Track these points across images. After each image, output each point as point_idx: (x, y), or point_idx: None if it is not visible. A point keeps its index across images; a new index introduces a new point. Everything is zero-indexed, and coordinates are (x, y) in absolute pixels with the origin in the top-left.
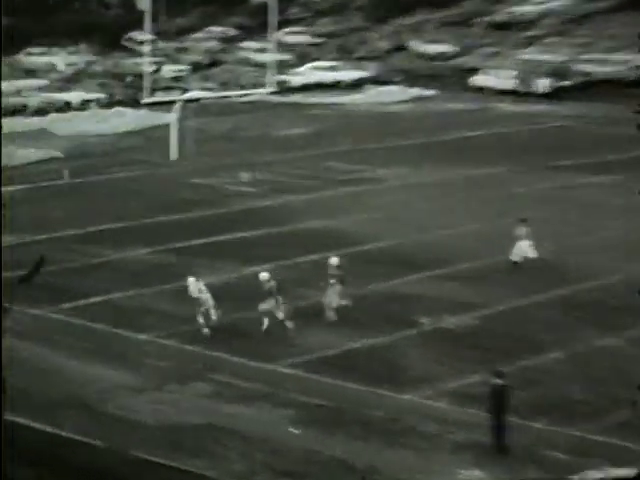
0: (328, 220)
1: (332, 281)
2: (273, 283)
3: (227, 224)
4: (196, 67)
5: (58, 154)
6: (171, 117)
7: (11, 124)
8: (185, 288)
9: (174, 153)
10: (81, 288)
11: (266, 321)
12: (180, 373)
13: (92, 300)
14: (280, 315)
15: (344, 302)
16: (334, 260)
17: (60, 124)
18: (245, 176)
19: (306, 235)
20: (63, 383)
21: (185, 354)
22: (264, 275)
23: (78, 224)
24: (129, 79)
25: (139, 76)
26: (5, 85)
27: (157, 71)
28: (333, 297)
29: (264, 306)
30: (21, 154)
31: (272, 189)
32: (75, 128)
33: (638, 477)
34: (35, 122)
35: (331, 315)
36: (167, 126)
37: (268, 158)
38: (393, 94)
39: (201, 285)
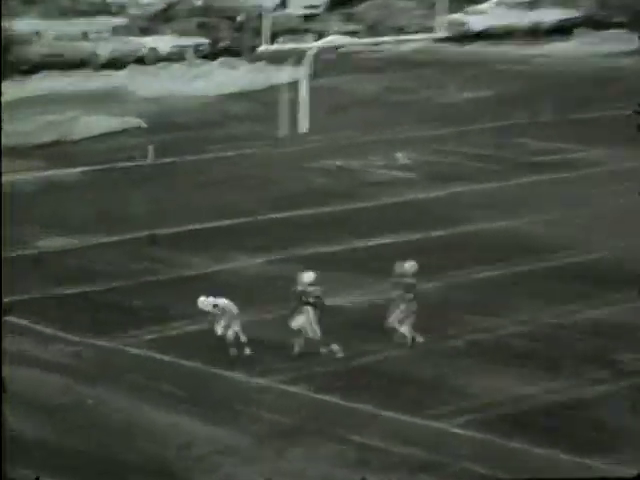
0: (513, 219)
1: (405, 295)
2: (315, 290)
3: (374, 223)
4: (335, 1)
5: (139, 123)
6: (299, 73)
7: (73, 80)
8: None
9: (303, 124)
10: (169, 311)
11: (297, 344)
12: (309, 432)
13: (184, 328)
14: (313, 334)
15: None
16: (408, 265)
17: (142, 81)
18: (400, 157)
19: (483, 240)
20: (141, 444)
21: (316, 406)
22: (309, 276)
23: (165, 222)
24: (240, 18)
25: (255, 14)
26: (64, 25)
27: (280, 6)
28: (403, 317)
29: (298, 322)
30: (87, 123)
31: (437, 175)
32: (163, 87)
33: (638, 477)
34: (107, 77)
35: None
36: (293, 86)
37: (433, 132)
38: (614, 42)
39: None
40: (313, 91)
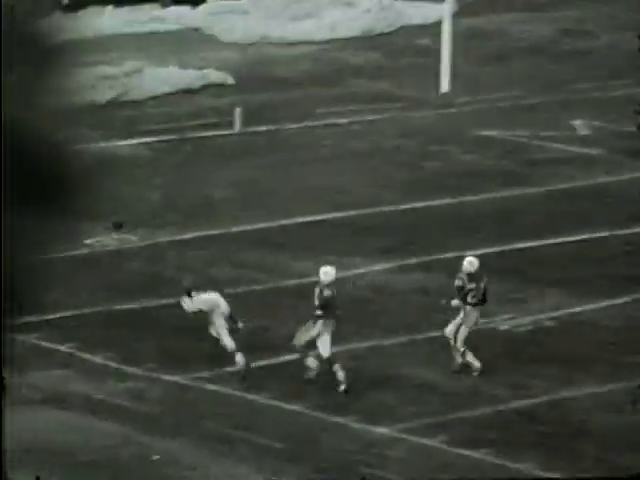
0: None
1: (469, 301)
2: (329, 293)
3: (542, 216)
4: None
5: (223, 78)
6: (441, 11)
7: (133, 19)
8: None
9: (445, 80)
10: (263, 334)
11: (312, 367)
12: None
13: (283, 358)
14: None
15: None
16: (467, 262)
17: (227, 21)
18: (580, 125)
19: None
20: None
21: (460, 464)
22: (327, 271)
23: (257, 213)
24: None
25: None
26: None
27: None
28: (461, 330)
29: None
30: (154, 77)
31: (632, 150)
32: (255, 29)
33: (638, 477)
34: (180, 15)
35: (458, 362)
36: (433, 28)
37: (625, 91)
38: None
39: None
40: (459, 36)
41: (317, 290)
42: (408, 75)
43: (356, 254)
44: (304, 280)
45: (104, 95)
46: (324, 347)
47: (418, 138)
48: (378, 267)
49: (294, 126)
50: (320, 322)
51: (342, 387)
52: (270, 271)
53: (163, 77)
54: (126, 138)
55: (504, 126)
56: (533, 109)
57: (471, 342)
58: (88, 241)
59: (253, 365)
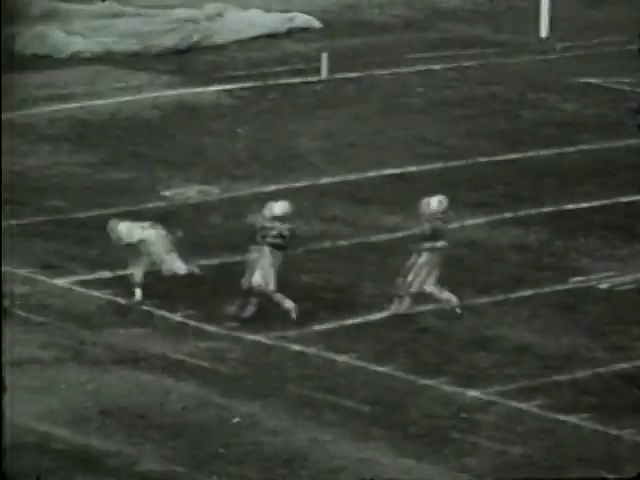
0: None
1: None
2: (282, 228)
3: None
4: None
5: (309, 22)
6: None
7: None
8: None
9: (544, 26)
10: (352, 289)
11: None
12: (555, 469)
13: (373, 316)
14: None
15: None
16: (434, 201)
17: None
18: None
19: None
20: None
21: (559, 431)
22: (281, 207)
23: (348, 165)
24: None
25: None
26: None
27: None
28: (425, 274)
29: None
30: (236, 21)
31: None
32: None
33: (638, 477)
34: None
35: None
36: None
37: None
38: None
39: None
40: None
41: (259, 223)
42: (505, 19)
43: (448, 208)
44: (392, 235)
45: (184, 39)
46: (267, 280)
47: (515, 85)
48: (471, 222)
49: (383, 73)
50: (268, 253)
51: (294, 315)
52: (357, 226)
53: (246, 20)
54: (207, 84)
55: (607, 73)
56: (638, 55)
57: (569, 301)
58: (167, 193)
59: None
